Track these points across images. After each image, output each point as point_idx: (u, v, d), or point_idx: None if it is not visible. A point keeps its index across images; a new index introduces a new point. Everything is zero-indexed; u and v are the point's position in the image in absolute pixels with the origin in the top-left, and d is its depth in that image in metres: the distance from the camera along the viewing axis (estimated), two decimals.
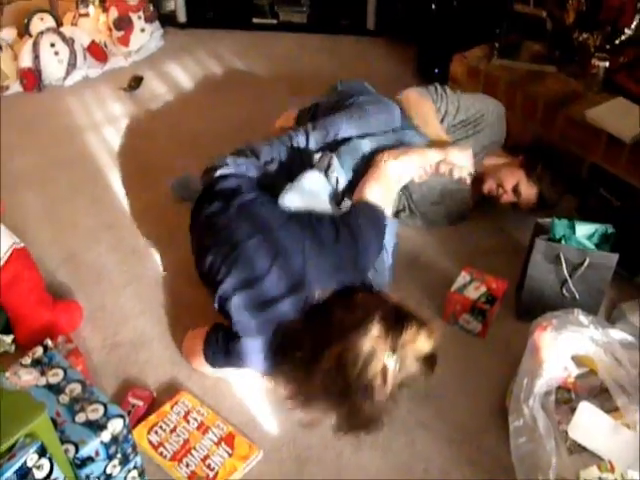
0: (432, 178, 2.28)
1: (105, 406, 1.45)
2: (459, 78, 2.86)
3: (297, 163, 2.13)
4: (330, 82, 2.64)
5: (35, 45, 3.19)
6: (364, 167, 2.08)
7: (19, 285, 1.96)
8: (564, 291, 1.97)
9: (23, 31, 3.31)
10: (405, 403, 1.76)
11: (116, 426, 1.41)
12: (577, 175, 2.46)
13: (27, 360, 1.58)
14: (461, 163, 2.19)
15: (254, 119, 3.00)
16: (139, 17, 3.47)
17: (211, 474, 1.62)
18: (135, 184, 2.63)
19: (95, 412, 1.43)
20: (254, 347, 1.73)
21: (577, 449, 1.55)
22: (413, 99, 2.40)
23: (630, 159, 2.28)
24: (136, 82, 3.28)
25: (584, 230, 1.98)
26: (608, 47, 2.59)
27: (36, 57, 3.19)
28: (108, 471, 1.44)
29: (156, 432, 1.71)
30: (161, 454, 1.66)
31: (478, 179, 2.39)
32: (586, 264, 1.90)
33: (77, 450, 1.36)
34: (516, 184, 2.32)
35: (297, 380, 1.63)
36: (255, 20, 3.86)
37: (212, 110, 3.12)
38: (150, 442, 1.68)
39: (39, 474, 1.21)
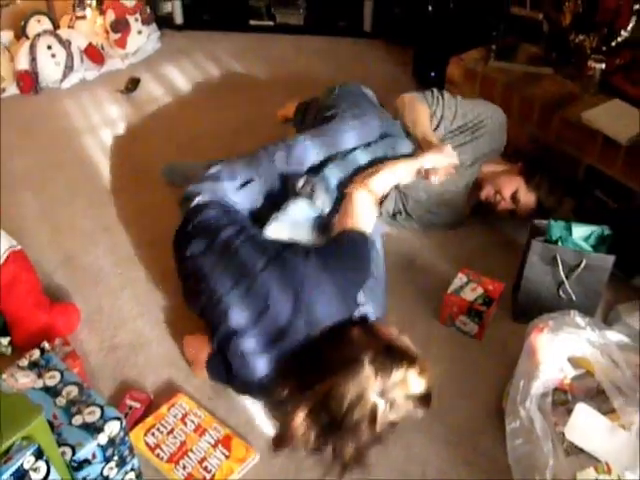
0: (427, 187, 2.28)
1: (102, 408, 1.45)
2: (456, 80, 2.86)
3: (278, 186, 2.11)
4: (327, 84, 2.64)
5: (32, 47, 3.19)
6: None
7: (16, 287, 1.96)
8: (560, 293, 1.98)
9: (20, 33, 3.31)
10: None
11: (113, 428, 1.42)
12: (573, 177, 2.46)
13: (24, 362, 1.58)
14: (439, 164, 2.20)
15: (251, 121, 3.01)
16: (136, 19, 3.48)
17: (208, 476, 1.62)
18: (132, 186, 2.63)
19: (92, 415, 1.43)
20: (251, 385, 1.73)
21: (574, 450, 1.55)
22: (407, 102, 2.41)
23: (626, 161, 2.29)
24: (133, 84, 3.28)
25: (580, 232, 1.98)
26: (604, 49, 2.59)
27: (33, 59, 3.19)
28: (105, 473, 1.44)
29: (153, 434, 1.71)
30: (158, 456, 1.66)
31: (476, 185, 2.39)
32: (582, 266, 1.91)
33: (74, 453, 1.36)
34: (515, 191, 2.30)
35: (282, 416, 1.62)
36: (252, 22, 3.86)
37: (209, 112, 3.12)
38: (147, 444, 1.68)
39: (36, 477, 1.21)
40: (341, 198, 2.04)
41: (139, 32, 3.50)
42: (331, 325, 1.71)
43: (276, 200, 2.06)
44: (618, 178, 2.32)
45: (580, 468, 1.52)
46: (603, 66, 2.52)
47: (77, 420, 1.42)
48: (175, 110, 3.17)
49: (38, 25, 3.30)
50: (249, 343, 1.69)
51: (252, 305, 1.72)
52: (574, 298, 1.96)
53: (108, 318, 2.08)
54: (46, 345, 1.64)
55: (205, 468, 1.63)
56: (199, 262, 1.84)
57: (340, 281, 1.77)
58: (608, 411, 1.60)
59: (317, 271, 1.76)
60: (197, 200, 1.96)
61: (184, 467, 1.64)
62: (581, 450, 1.55)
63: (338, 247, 1.86)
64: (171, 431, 1.72)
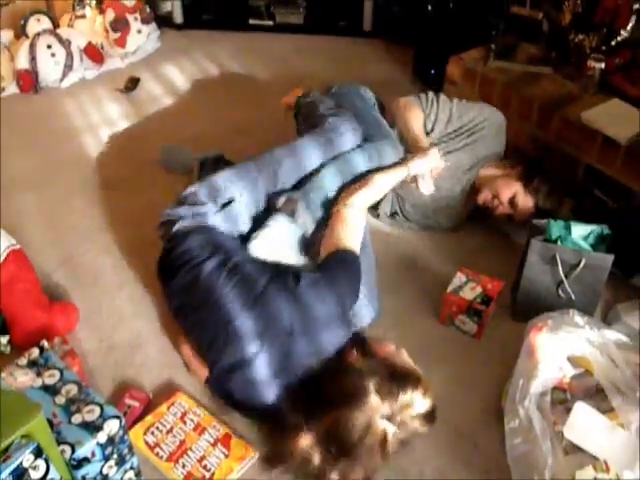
0: (425, 195, 2.28)
1: (101, 407, 1.45)
2: (455, 80, 2.86)
3: (262, 204, 2.07)
4: (326, 84, 2.64)
5: (32, 47, 3.19)
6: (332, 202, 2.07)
7: (15, 286, 1.96)
8: (560, 292, 1.98)
9: (20, 32, 3.31)
10: None
11: (112, 427, 1.42)
12: (573, 176, 2.46)
13: (23, 361, 1.58)
14: (425, 170, 2.19)
15: (251, 120, 3.01)
16: (136, 18, 3.48)
17: (207, 475, 1.62)
18: (131, 185, 2.63)
19: (91, 413, 1.44)
20: (255, 410, 1.71)
21: (572, 449, 1.55)
22: (401, 106, 2.40)
23: (625, 161, 2.29)
24: (133, 83, 3.28)
25: (580, 231, 1.98)
26: (604, 49, 2.60)
27: (33, 59, 3.19)
28: (104, 472, 1.45)
29: (152, 433, 1.71)
30: (157, 455, 1.66)
31: (473, 190, 2.37)
32: (582, 265, 1.91)
33: (73, 451, 1.36)
34: (513, 196, 2.26)
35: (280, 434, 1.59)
36: (251, 21, 3.86)
37: (208, 111, 3.12)
38: (146, 443, 1.68)
39: (35, 475, 1.22)
40: (326, 217, 2.02)
41: (139, 31, 3.50)
42: (332, 350, 1.70)
43: (261, 218, 2.03)
44: (617, 178, 2.32)
45: (579, 467, 1.52)
46: (603, 66, 2.53)
47: (76, 419, 1.42)
48: (174, 109, 3.17)
49: (38, 24, 3.29)
50: (248, 374, 1.67)
51: (241, 347, 1.67)
52: (573, 297, 1.97)
53: (107, 317, 2.08)
54: (45, 344, 1.64)
55: (204, 467, 1.63)
56: (186, 298, 1.81)
57: (336, 305, 1.76)
58: (607, 410, 1.60)
59: (311, 300, 1.72)
60: (177, 227, 1.90)
61: (183, 466, 1.64)
62: (580, 449, 1.55)
63: (330, 272, 1.81)
64: (170, 430, 1.72)
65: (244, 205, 2.01)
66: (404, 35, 3.56)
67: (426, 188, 2.21)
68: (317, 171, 2.13)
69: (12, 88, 3.24)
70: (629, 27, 2.56)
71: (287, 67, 3.49)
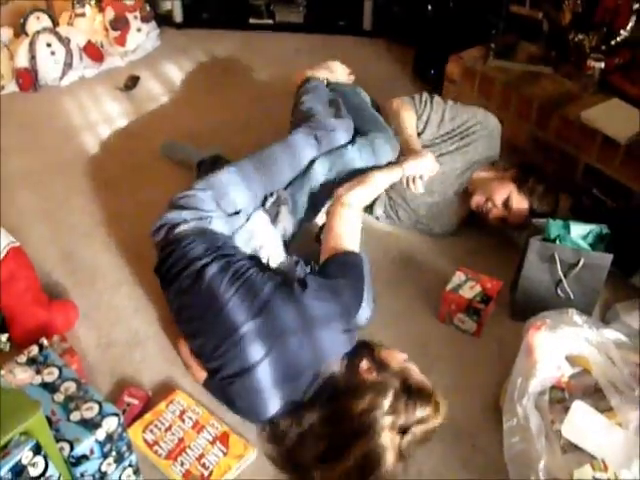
0: (415, 198, 2.28)
1: (100, 404, 1.45)
2: (455, 79, 2.87)
3: (258, 203, 2.05)
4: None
5: (31, 45, 3.18)
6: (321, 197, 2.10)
7: (15, 284, 1.96)
8: (559, 291, 1.98)
9: (19, 31, 3.31)
10: None
11: (111, 424, 1.42)
12: (572, 176, 2.46)
13: (22, 358, 1.58)
14: (419, 172, 2.18)
15: (251, 119, 3.01)
16: (135, 17, 3.47)
17: (206, 473, 1.62)
18: (131, 184, 2.63)
19: (90, 410, 1.43)
20: (255, 413, 1.71)
21: (570, 448, 1.55)
22: (394, 107, 2.39)
23: (624, 160, 2.29)
24: (132, 82, 3.28)
25: (579, 230, 1.99)
26: (603, 48, 2.60)
27: (32, 57, 3.19)
28: (103, 469, 1.45)
29: (151, 431, 1.71)
30: (156, 452, 1.66)
31: (466, 194, 2.35)
32: (581, 264, 1.91)
33: (72, 448, 1.36)
34: (506, 198, 2.22)
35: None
36: (251, 20, 3.86)
37: (208, 110, 3.12)
38: (145, 441, 1.68)
39: (34, 472, 1.22)
40: (312, 215, 2.07)
41: (138, 30, 3.50)
42: (337, 356, 1.69)
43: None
44: (617, 177, 2.33)
45: (577, 466, 1.52)
46: (602, 65, 2.53)
47: (75, 416, 1.42)
48: (174, 108, 3.17)
49: (37, 22, 3.30)
50: (241, 388, 1.67)
51: (245, 355, 1.66)
52: (572, 296, 1.97)
53: (106, 315, 2.08)
54: (44, 342, 1.64)
55: (203, 465, 1.64)
56: (187, 302, 1.79)
57: (342, 311, 1.74)
58: (605, 409, 1.60)
59: (317, 307, 1.69)
60: (178, 230, 1.85)
61: (182, 464, 1.64)
62: (578, 448, 1.55)
63: (335, 278, 1.77)
64: (169, 428, 1.72)
65: (238, 204, 1.99)
66: (404, 34, 3.56)
67: (416, 188, 2.20)
68: (309, 168, 2.13)
69: (12, 86, 3.23)
70: (629, 27, 2.56)
71: (287, 66, 3.47)
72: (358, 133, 2.26)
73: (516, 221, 2.26)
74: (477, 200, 2.29)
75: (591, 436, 1.56)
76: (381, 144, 2.22)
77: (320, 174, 2.12)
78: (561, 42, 2.72)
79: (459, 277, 2.05)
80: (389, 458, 1.51)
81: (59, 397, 1.47)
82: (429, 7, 3.13)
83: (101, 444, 1.41)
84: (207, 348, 1.73)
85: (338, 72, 2.68)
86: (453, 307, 2.01)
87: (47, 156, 2.80)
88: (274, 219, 2.02)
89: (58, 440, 1.35)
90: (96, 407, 1.44)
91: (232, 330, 1.67)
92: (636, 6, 2.52)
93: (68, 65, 3.27)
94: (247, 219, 1.97)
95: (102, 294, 2.15)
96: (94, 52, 3.39)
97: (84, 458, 1.39)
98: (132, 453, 1.53)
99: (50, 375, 1.52)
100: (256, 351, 1.65)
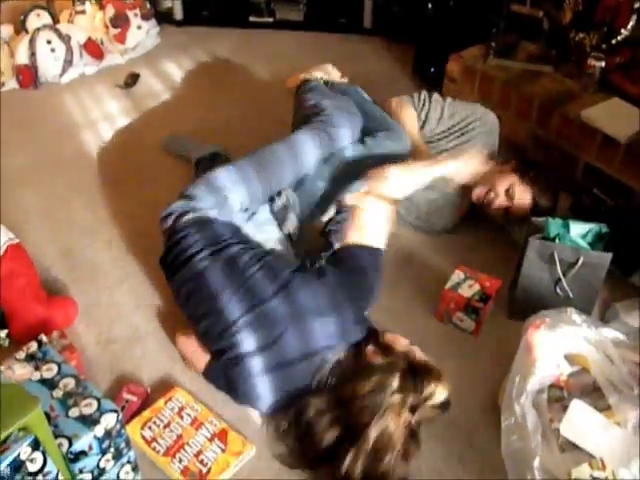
0: (415, 194, 2.28)
1: (99, 401, 1.45)
2: (455, 77, 2.87)
3: (258, 203, 2.06)
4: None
5: (31, 42, 3.18)
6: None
7: (14, 281, 1.97)
8: (558, 290, 1.98)
9: (19, 28, 3.31)
10: None
11: (109, 421, 1.42)
12: (572, 175, 2.46)
13: (21, 355, 1.58)
14: (463, 175, 2.17)
15: (250, 117, 3.01)
16: (136, 14, 3.47)
17: (204, 469, 1.62)
18: (131, 181, 2.63)
19: (89, 407, 1.43)
20: (257, 394, 1.71)
21: (569, 447, 1.55)
22: (393, 106, 2.40)
23: (624, 159, 2.29)
24: (132, 79, 3.28)
25: (578, 229, 1.98)
26: (604, 47, 2.60)
27: (32, 54, 3.19)
28: (101, 465, 1.45)
29: (150, 427, 1.71)
30: (154, 449, 1.66)
31: (467, 189, 2.33)
32: (580, 263, 1.91)
33: (70, 444, 1.36)
34: (509, 188, 2.21)
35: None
36: (252, 18, 3.87)
37: (208, 108, 3.12)
38: (143, 437, 1.68)
39: (32, 467, 1.22)
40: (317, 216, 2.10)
41: (139, 27, 3.50)
42: (351, 341, 1.72)
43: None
44: (616, 176, 2.33)
45: (575, 464, 1.52)
46: (603, 64, 2.53)
47: (74, 412, 1.42)
48: (174, 105, 3.17)
49: (38, 19, 3.30)
50: (256, 366, 1.68)
51: (263, 331, 1.69)
52: (571, 295, 1.97)
53: (105, 312, 2.08)
54: (43, 338, 1.64)
55: (201, 461, 1.64)
56: (199, 285, 1.77)
57: (356, 299, 1.78)
58: (604, 408, 1.60)
59: (336, 292, 1.74)
60: (188, 217, 1.86)
61: (180, 460, 1.64)
62: (576, 446, 1.55)
63: (353, 271, 1.81)
64: (167, 425, 1.72)
65: (239, 204, 1.99)
66: (404, 33, 3.56)
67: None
68: (317, 170, 2.13)
69: (12, 83, 3.23)
70: (629, 26, 2.56)
71: (287, 64, 3.48)
72: (366, 132, 2.26)
73: (519, 212, 2.24)
74: (478, 192, 2.28)
75: (589, 435, 1.56)
76: (391, 144, 2.22)
77: (328, 176, 2.12)
78: (561, 41, 2.72)
79: (458, 275, 2.05)
80: (401, 436, 1.54)
81: (58, 393, 1.47)
82: (429, 5, 3.13)
83: (100, 440, 1.41)
84: (217, 328, 1.72)
85: (332, 74, 2.68)
86: (452, 305, 2.01)
87: (47, 153, 2.80)
88: (282, 222, 2.05)
89: (57, 436, 1.35)
90: (95, 403, 1.44)
91: (250, 308, 1.69)
92: (637, 5, 2.52)
93: (68, 62, 3.27)
94: (252, 214, 1.99)
95: (102, 291, 2.15)
96: (94, 49, 3.39)
97: (82, 454, 1.39)
98: (130, 449, 1.53)
99: (49, 371, 1.52)
100: (273, 330, 1.68)
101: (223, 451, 1.66)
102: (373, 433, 1.51)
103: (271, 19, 3.87)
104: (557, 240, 1.96)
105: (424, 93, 2.41)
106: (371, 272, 1.83)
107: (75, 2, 3.49)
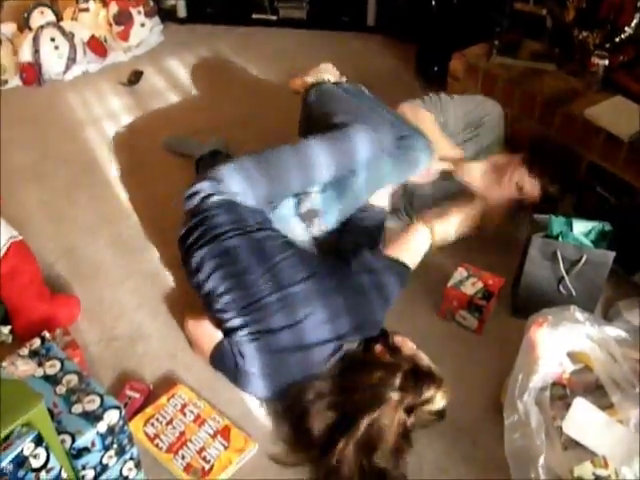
0: (432, 182, 2.28)
1: (101, 397, 1.45)
2: (458, 76, 2.86)
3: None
4: None
5: (35, 39, 3.19)
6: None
7: (17, 278, 1.97)
8: (560, 288, 1.98)
9: (23, 25, 3.32)
10: None
11: (112, 417, 1.42)
12: (575, 173, 2.46)
13: (25, 351, 1.58)
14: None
15: (253, 115, 3.01)
16: (139, 12, 3.48)
17: (207, 466, 1.62)
18: (134, 179, 2.63)
19: (91, 403, 1.44)
20: (259, 384, 1.76)
21: (571, 445, 1.56)
22: (407, 112, 2.33)
23: (628, 157, 2.28)
24: (136, 77, 3.28)
25: (581, 227, 1.98)
26: (608, 45, 2.59)
27: (36, 51, 3.19)
28: (104, 462, 1.45)
29: (152, 424, 1.71)
30: (157, 446, 1.66)
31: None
32: (583, 261, 1.91)
33: (73, 440, 1.36)
34: (518, 178, 2.24)
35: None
36: (255, 16, 3.87)
37: (211, 105, 3.12)
38: (146, 434, 1.69)
39: (35, 463, 1.22)
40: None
41: (142, 25, 3.51)
42: (360, 341, 1.79)
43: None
44: (620, 174, 2.32)
45: (577, 462, 1.52)
46: (606, 62, 2.52)
47: (77, 408, 1.42)
48: (177, 103, 3.17)
49: (41, 17, 3.30)
50: (275, 344, 1.73)
51: (289, 310, 1.75)
52: (574, 293, 1.97)
53: (108, 309, 2.09)
54: (47, 334, 1.64)
55: (204, 458, 1.64)
56: (231, 258, 1.81)
57: (382, 303, 1.85)
58: (606, 406, 1.60)
59: (364, 294, 1.82)
60: (216, 198, 1.88)
61: (183, 457, 1.64)
62: (579, 444, 1.55)
63: (392, 272, 1.91)
64: (170, 421, 1.72)
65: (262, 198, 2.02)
66: (407, 31, 3.56)
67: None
68: (344, 180, 2.11)
69: (15, 81, 3.25)
70: (633, 24, 2.55)
71: (290, 62, 3.48)
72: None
73: (529, 200, 2.26)
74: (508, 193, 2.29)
75: (592, 433, 1.56)
76: (416, 154, 2.16)
77: (354, 187, 2.12)
78: (565, 39, 2.71)
79: (461, 273, 2.05)
80: (394, 434, 1.58)
81: (61, 390, 1.47)
82: (433, 3, 3.12)
83: (102, 437, 1.41)
84: (242, 303, 1.76)
85: (332, 74, 2.67)
86: (455, 303, 2.01)
87: (50, 150, 2.80)
88: (309, 225, 2.11)
89: (60, 432, 1.35)
90: (98, 400, 1.44)
91: (279, 288, 1.76)
92: None
93: (72, 60, 3.28)
94: (274, 207, 2.04)
95: (105, 288, 2.16)
96: (98, 47, 3.39)
97: (85, 450, 1.39)
98: (133, 446, 1.53)
99: (52, 368, 1.53)
100: (298, 312, 1.74)
101: (226, 448, 1.66)
102: (365, 421, 1.56)
103: (274, 17, 3.87)
104: (560, 238, 1.96)
105: (434, 97, 2.40)
106: (401, 286, 1.92)
107: None
